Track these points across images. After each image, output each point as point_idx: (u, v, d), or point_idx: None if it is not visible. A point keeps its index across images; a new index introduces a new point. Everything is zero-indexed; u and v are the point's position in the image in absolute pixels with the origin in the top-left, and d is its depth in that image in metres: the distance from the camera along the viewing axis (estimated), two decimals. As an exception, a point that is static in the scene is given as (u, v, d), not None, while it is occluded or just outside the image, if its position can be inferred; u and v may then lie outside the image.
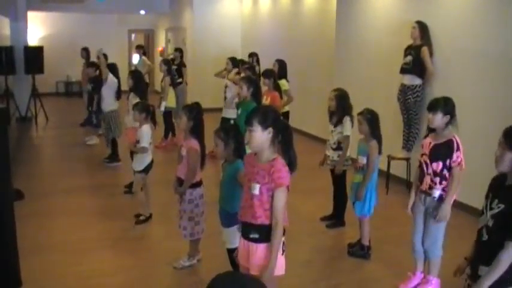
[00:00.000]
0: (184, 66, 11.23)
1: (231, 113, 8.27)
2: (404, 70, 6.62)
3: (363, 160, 4.71)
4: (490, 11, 5.72)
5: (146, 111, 5.69)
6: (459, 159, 3.86)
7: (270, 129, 2.88)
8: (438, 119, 3.86)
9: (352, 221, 5.66)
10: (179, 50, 11.43)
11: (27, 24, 12.82)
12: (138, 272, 4.56)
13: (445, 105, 3.87)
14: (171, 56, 11.70)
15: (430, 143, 3.96)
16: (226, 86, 8.47)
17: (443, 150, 3.88)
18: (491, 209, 2.61)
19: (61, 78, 17.14)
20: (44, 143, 10.56)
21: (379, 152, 4.74)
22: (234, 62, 9.03)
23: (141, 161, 5.67)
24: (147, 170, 5.71)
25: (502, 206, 2.55)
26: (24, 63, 11.70)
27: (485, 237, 2.61)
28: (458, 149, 3.85)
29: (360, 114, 4.74)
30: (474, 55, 5.91)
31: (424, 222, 4.09)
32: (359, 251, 4.92)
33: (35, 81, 11.89)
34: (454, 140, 3.87)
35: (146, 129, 5.65)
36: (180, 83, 10.53)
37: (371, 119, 4.66)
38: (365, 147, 4.72)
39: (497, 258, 2.50)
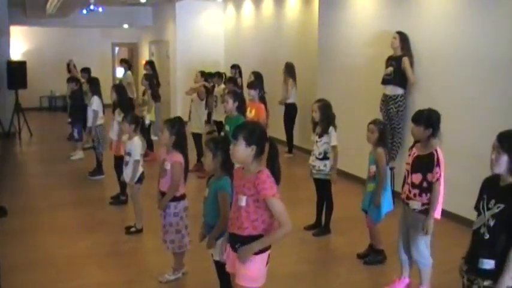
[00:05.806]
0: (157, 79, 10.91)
1: (199, 128, 8.33)
2: (386, 81, 6.70)
3: (373, 168, 4.73)
4: (469, 21, 5.81)
5: (136, 123, 5.71)
6: (438, 175, 3.84)
7: (254, 147, 2.95)
8: (420, 131, 3.89)
9: (338, 229, 5.70)
10: (149, 63, 10.97)
11: (9, 38, 12.76)
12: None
13: (428, 118, 3.88)
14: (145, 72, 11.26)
15: (415, 153, 3.99)
16: (192, 101, 8.53)
17: (424, 163, 3.89)
18: (488, 209, 2.72)
19: (45, 93, 17.04)
20: (27, 158, 10.47)
21: (388, 161, 4.79)
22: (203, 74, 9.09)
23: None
24: (140, 180, 5.71)
25: (501, 205, 2.66)
26: (7, 78, 11.63)
27: (486, 236, 2.71)
28: (438, 164, 3.84)
29: (371, 123, 4.75)
30: (454, 64, 6.00)
31: (408, 232, 4.11)
32: (376, 257, 4.88)
33: (18, 96, 11.81)
34: (435, 153, 3.86)
35: (137, 141, 5.67)
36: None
37: (383, 130, 4.71)
38: (373, 155, 4.75)
39: (509, 257, 2.62)
